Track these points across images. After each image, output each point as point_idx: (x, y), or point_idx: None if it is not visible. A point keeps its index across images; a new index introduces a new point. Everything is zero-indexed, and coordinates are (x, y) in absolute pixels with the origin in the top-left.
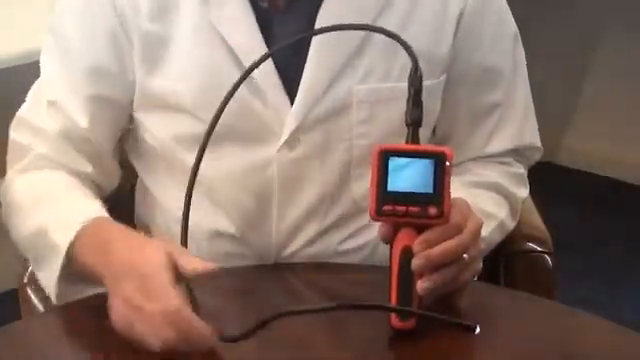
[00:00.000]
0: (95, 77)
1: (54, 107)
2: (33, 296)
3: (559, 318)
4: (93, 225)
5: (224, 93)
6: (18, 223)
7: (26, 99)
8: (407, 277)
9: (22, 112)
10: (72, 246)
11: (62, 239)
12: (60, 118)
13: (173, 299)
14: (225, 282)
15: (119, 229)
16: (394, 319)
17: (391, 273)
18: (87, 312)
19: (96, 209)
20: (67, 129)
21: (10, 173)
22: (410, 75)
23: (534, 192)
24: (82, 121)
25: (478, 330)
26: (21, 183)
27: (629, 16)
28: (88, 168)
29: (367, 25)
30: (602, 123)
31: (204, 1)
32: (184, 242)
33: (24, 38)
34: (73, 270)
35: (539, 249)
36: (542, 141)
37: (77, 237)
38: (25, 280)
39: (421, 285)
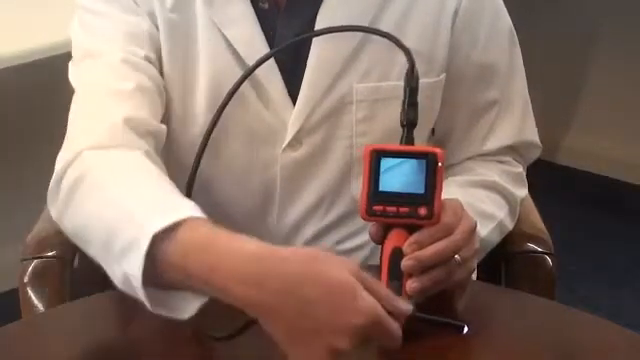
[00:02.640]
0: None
1: (127, 64)
2: (33, 296)
3: (559, 318)
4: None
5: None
6: (93, 202)
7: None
8: (397, 277)
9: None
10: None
11: (150, 227)
12: (134, 75)
13: (370, 302)
14: None
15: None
16: None
17: (381, 273)
18: (87, 312)
19: (187, 205)
20: (142, 84)
21: (78, 148)
22: (406, 75)
23: (534, 192)
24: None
25: (466, 330)
26: (96, 160)
27: (629, 15)
28: (162, 127)
29: (362, 26)
30: (602, 122)
31: (209, 2)
32: None
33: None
34: (156, 264)
35: (539, 249)
36: (542, 140)
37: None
38: (25, 280)
39: (410, 285)
